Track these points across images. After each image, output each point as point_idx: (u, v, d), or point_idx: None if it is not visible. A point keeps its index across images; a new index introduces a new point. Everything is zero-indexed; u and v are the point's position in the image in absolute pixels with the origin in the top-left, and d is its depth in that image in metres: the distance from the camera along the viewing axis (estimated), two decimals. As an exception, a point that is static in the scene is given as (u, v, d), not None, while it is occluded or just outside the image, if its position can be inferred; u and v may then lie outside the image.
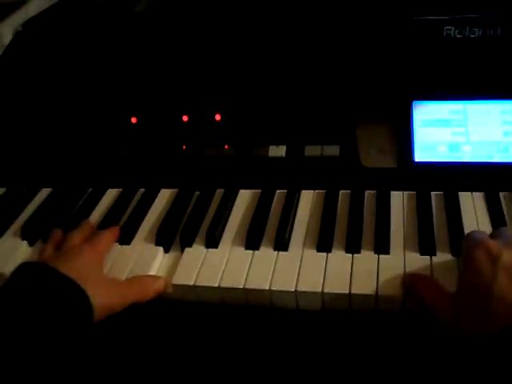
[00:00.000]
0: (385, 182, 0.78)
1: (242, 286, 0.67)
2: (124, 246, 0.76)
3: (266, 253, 0.71)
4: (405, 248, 0.69)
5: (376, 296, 0.64)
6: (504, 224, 0.71)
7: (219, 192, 0.83)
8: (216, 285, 0.67)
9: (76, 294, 0.61)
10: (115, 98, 0.92)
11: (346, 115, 0.84)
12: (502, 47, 0.78)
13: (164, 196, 0.84)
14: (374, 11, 0.83)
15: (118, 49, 0.92)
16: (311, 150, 0.82)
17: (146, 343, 0.75)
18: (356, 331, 0.70)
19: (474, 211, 0.74)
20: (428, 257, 0.68)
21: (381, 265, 0.67)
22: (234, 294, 0.67)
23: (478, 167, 0.78)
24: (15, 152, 0.93)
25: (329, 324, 0.69)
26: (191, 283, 0.68)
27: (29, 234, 0.79)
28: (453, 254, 0.67)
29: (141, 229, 0.79)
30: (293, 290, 0.65)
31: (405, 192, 0.78)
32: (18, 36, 0.96)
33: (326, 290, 0.65)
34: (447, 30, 0.78)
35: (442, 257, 0.67)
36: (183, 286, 0.68)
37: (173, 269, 0.71)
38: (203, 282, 0.68)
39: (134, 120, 0.91)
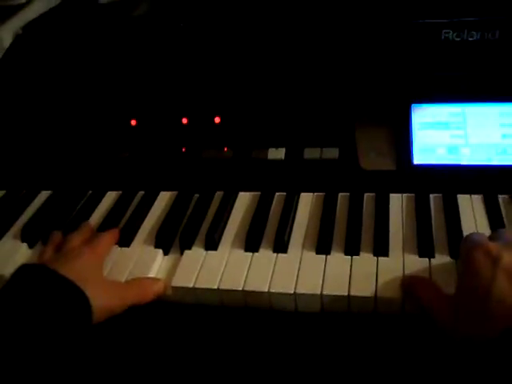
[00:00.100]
0: (384, 185, 0.79)
1: (241, 288, 0.67)
2: (124, 249, 0.76)
3: (266, 255, 0.71)
4: (404, 250, 0.69)
5: (375, 298, 0.64)
6: (503, 226, 0.71)
7: (218, 194, 0.83)
8: (215, 287, 0.67)
9: (75, 296, 0.61)
10: (115, 100, 0.92)
11: (345, 118, 0.84)
12: (500, 50, 0.78)
13: (163, 198, 0.84)
14: (372, 15, 0.83)
15: (117, 52, 0.92)
16: (310, 153, 0.82)
17: (146, 345, 0.75)
18: (355, 333, 0.70)
19: (472, 214, 0.74)
20: (427, 259, 0.68)
21: (380, 267, 0.67)
22: (233, 296, 0.67)
23: (476, 170, 0.78)
24: (15, 154, 0.93)
25: (328, 326, 0.70)
26: (190, 285, 0.68)
27: (28, 236, 0.80)
28: (451, 257, 0.68)
29: (140, 231, 0.79)
30: (292, 292, 0.65)
31: (404, 194, 0.78)
32: (18, 39, 0.96)
33: (325, 292, 0.65)
34: (445, 33, 0.79)
35: (441, 259, 0.68)
36: (182, 288, 0.68)
37: (172, 271, 0.71)
38: (202, 284, 0.68)
39: (133, 122, 0.91)
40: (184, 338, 0.75)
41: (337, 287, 0.65)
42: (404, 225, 0.73)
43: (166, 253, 0.75)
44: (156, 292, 0.69)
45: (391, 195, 0.78)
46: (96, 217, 0.83)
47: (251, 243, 0.72)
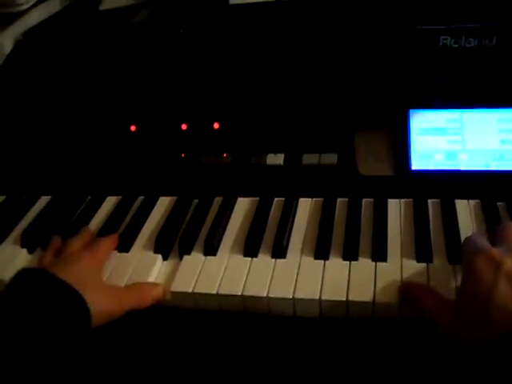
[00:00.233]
0: (382, 190, 0.79)
1: (240, 293, 0.67)
2: (123, 254, 0.76)
3: (264, 260, 0.71)
4: (402, 255, 0.70)
5: (373, 303, 0.64)
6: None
7: (217, 200, 0.83)
8: (214, 292, 0.68)
9: (74, 300, 0.62)
10: (115, 106, 0.93)
11: (344, 124, 0.84)
12: (498, 56, 0.79)
13: (163, 204, 0.85)
14: (371, 21, 0.83)
15: (117, 58, 0.92)
16: (309, 158, 0.82)
17: (145, 350, 0.76)
18: (353, 338, 0.70)
19: (470, 219, 0.74)
20: (425, 264, 0.68)
21: (378, 272, 0.67)
22: (232, 301, 0.68)
23: (474, 175, 0.78)
24: (15, 160, 0.93)
25: (326, 331, 0.70)
26: (190, 290, 0.68)
27: (28, 241, 0.80)
28: (449, 262, 0.68)
29: (140, 236, 0.79)
30: (290, 297, 0.66)
31: (402, 200, 0.78)
32: (18, 45, 0.96)
33: (323, 297, 0.65)
34: (443, 39, 0.79)
35: (439, 264, 0.68)
36: (182, 293, 0.69)
37: (171, 276, 0.72)
38: (201, 289, 0.68)
39: (133, 128, 0.91)
40: (183, 342, 0.75)
41: (335, 292, 0.65)
42: (402, 230, 0.73)
43: (165, 258, 0.75)
44: (155, 297, 0.69)
45: (389, 200, 0.78)
46: (96, 222, 0.83)
47: (250, 248, 0.73)
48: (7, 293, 0.62)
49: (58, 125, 0.94)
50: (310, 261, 0.70)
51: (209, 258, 0.73)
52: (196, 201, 0.83)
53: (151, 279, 0.72)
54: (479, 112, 0.82)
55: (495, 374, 0.53)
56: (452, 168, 0.79)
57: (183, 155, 0.88)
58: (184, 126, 0.90)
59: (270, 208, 0.80)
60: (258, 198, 0.82)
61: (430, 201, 0.78)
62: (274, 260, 0.71)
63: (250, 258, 0.72)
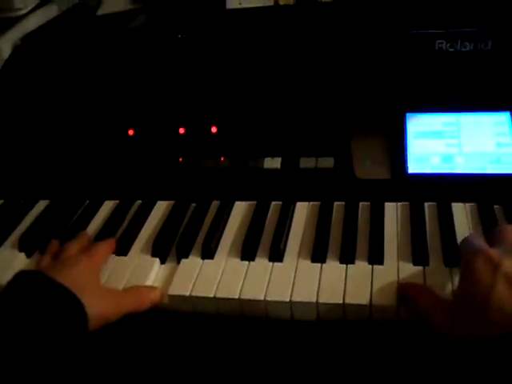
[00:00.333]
0: (379, 194, 0.79)
1: (237, 297, 0.67)
2: (121, 257, 0.76)
3: (261, 264, 0.72)
4: (398, 258, 0.70)
5: (370, 306, 0.64)
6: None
7: (215, 203, 0.83)
8: (212, 295, 0.68)
9: (71, 304, 0.62)
10: (112, 110, 0.93)
11: (341, 127, 0.85)
12: (493, 60, 0.79)
13: (160, 208, 0.85)
14: (367, 25, 0.84)
15: (115, 63, 0.93)
16: (306, 162, 0.83)
17: (143, 353, 0.76)
18: (351, 341, 0.70)
19: (466, 222, 0.74)
20: (421, 267, 0.68)
21: (375, 275, 0.68)
22: (229, 305, 0.68)
23: (471, 178, 0.78)
24: (13, 164, 0.93)
25: (324, 334, 0.70)
26: (187, 294, 0.69)
27: (26, 245, 0.80)
28: (446, 265, 0.68)
29: (137, 240, 0.79)
30: (287, 300, 0.66)
31: (398, 203, 0.78)
32: (16, 50, 0.97)
33: (320, 301, 0.65)
34: (439, 43, 0.80)
35: (435, 267, 0.68)
36: (179, 296, 0.69)
37: (169, 279, 0.72)
38: (199, 292, 0.69)
39: (131, 132, 0.92)
40: (180, 346, 0.75)
41: (332, 295, 0.66)
42: (399, 233, 0.74)
43: (162, 261, 0.75)
44: (153, 300, 0.70)
45: (386, 204, 0.78)
46: (93, 226, 0.83)
47: (247, 252, 0.73)
48: (4, 295, 0.62)
49: (56, 129, 0.94)
50: (307, 264, 0.71)
51: (206, 261, 0.73)
52: (194, 205, 0.84)
53: (149, 282, 0.72)
54: (475, 115, 0.82)
55: (493, 374, 0.53)
56: (448, 171, 0.79)
57: (181, 159, 0.88)
58: (182, 130, 0.90)
59: (268, 212, 0.80)
60: (255, 202, 0.82)
61: (426, 204, 0.78)
62: (271, 263, 0.71)
63: (247, 262, 0.72)
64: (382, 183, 0.80)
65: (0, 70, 0.95)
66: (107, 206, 0.87)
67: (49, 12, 1.05)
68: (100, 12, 1.04)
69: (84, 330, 0.62)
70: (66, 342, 0.60)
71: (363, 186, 0.80)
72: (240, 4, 0.90)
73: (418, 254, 0.69)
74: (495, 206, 0.76)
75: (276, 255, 0.72)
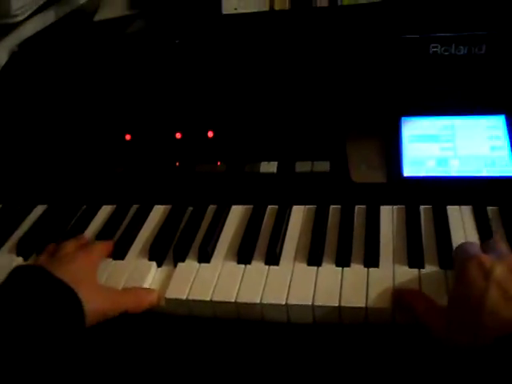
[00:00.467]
0: (374, 197, 0.79)
1: (233, 300, 0.67)
2: (118, 261, 0.77)
3: (258, 267, 0.72)
4: (394, 261, 0.70)
5: (366, 308, 0.64)
6: (491, 237, 0.71)
7: (212, 208, 0.83)
8: (208, 299, 0.68)
9: (69, 298, 0.62)
10: (109, 115, 0.94)
11: (336, 131, 0.85)
12: (487, 64, 0.80)
13: (157, 212, 0.85)
14: (361, 30, 0.84)
15: (112, 68, 0.93)
16: (302, 166, 0.83)
17: (140, 356, 0.76)
18: (347, 343, 0.70)
19: (462, 225, 0.75)
20: (417, 270, 0.68)
21: (370, 278, 0.68)
22: (225, 308, 0.68)
23: (466, 181, 0.79)
24: (11, 169, 0.94)
25: (320, 337, 0.70)
26: (184, 297, 0.69)
27: (24, 249, 0.80)
28: (441, 267, 0.68)
29: (134, 244, 0.79)
30: (284, 303, 0.66)
31: (394, 206, 0.79)
32: (13, 56, 0.97)
33: (316, 303, 0.66)
34: (433, 47, 0.80)
35: (431, 269, 0.68)
36: (176, 299, 0.69)
37: (166, 283, 0.72)
38: (195, 296, 0.69)
39: (128, 137, 0.92)
40: (177, 349, 0.75)
41: (328, 298, 0.66)
42: (394, 236, 0.74)
43: (159, 265, 0.76)
44: (150, 301, 0.70)
45: (382, 207, 0.79)
46: (91, 230, 0.84)
47: (243, 256, 0.73)
48: (1, 289, 0.63)
49: (54, 134, 0.94)
50: (303, 267, 0.71)
51: (203, 265, 0.74)
52: (190, 209, 0.84)
53: (146, 286, 0.72)
54: (470, 119, 0.83)
55: (488, 377, 0.54)
56: (444, 174, 0.80)
57: (178, 164, 0.89)
58: (178, 135, 0.90)
59: (264, 215, 0.81)
60: (251, 206, 0.83)
61: (422, 207, 0.78)
62: (267, 267, 0.72)
63: (243, 265, 0.72)
64: (377, 187, 0.80)
65: (-3, 76, 0.96)
66: (104, 211, 0.87)
67: (46, 18, 1.06)
68: (97, 18, 1.04)
69: (81, 325, 0.62)
70: (63, 336, 0.60)
71: (359, 190, 0.81)
72: (236, 9, 0.90)
73: (414, 257, 0.70)
74: (490, 209, 0.76)
75: (272, 259, 0.72)
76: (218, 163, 0.87)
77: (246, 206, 0.83)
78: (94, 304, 0.64)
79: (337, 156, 0.83)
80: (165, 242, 0.78)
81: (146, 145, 0.91)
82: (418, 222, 0.75)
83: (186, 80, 0.91)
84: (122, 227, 0.82)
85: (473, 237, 0.72)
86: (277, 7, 0.90)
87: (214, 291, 0.69)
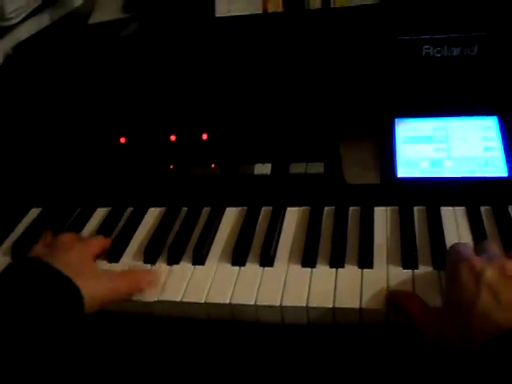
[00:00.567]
0: (368, 198, 0.80)
1: (228, 302, 0.68)
2: (113, 264, 0.77)
3: (252, 269, 0.72)
4: (388, 262, 0.70)
5: (360, 309, 0.65)
6: (485, 237, 0.72)
7: (206, 210, 0.84)
8: (202, 301, 0.68)
9: (67, 288, 0.62)
10: (104, 118, 0.94)
11: (330, 133, 0.85)
12: (480, 65, 0.80)
13: (152, 214, 0.85)
14: (355, 32, 0.84)
15: (106, 71, 0.93)
16: (296, 168, 0.83)
17: (134, 358, 0.76)
18: (341, 344, 0.71)
19: (455, 225, 0.75)
20: (410, 270, 0.69)
21: (364, 279, 0.68)
22: (220, 310, 0.68)
23: (459, 182, 0.79)
24: (5, 172, 0.94)
25: (314, 338, 0.70)
26: (178, 299, 0.69)
27: (18, 253, 0.80)
28: (434, 268, 0.69)
29: (129, 247, 0.79)
30: (278, 304, 0.66)
31: (388, 207, 0.79)
32: (8, 59, 0.97)
33: (310, 305, 0.66)
34: (426, 49, 0.80)
35: (424, 270, 0.69)
36: (170, 301, 0.69)
37: (160, 285, 0.72)
38: (190, 298, 0.69)
39: (122, 140, 0.92)
40: (172, 351, 0.76)
41: (322, 299, 0.66)
42: (388, 237, 0.74)
43: (154, 267, 0.76)
44: (149, 282, 0.71)
45: (376, 208, 0.79)
46: (86, 233, 0.84)
47: (238, 257, 0.73)
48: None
49: (49, 137, 0.94)
50: (297, 269, 0.71)
51: (197, 267, 0.74)
52: (185, 211, 0.84)
53: (140, 289, 0.72)
54: (463, 120, 0.83)
55: (479, 380, 0.54)
56: (437, 175, 0.80)
57: (172, 166, 0.89)
58: (173, 138, 0.90)
59: (258, 217, 0.81)
60: (246, 208, 0.83)
61: (415, 208, 0.78)
62: (261, 268, 0.72)
63: (237, 267, 0.73)
64: (371, 188, 0.80)
65: (-8, 79, 0.96)
66: (99, 214, 0.87)
67: (41, 21, 1.06)
68: (91, 21, 1.04)
69: (80, 314, 0.62)
70: (63, 326, 0.61)
71: (353, 191, 0.81)
72: (229, 12, 0.91)
73: (408, 258, 0.70)
74: (483, 209, 0.77)
75: (266, 260, 0.72)
76: (213, 165, 0.87)
77: (240, 208, 0.83)
78: (92, 292, 0.64)
79: (331, 157, 0.83)
80: (159, 245, 0.78)
81: (140, 147, 0.91)
82: (412, 223, 0.76)
83: (180, 83, 0.91)
84: (117, 230, 0.83)
85: (466, 237, 0.73)
86: (270, 10, 0.90)
87: (208, 293, 0.69)
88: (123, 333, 0.74)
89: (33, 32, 1.04)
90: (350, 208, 0.80)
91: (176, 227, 0.81)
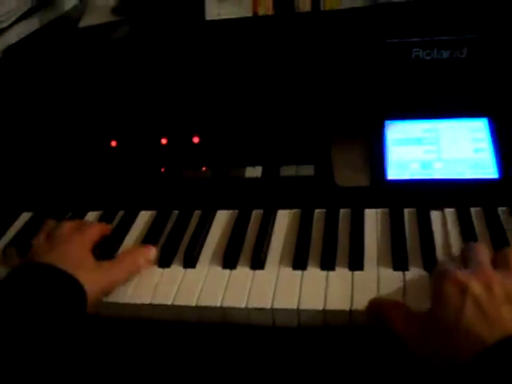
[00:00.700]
0: (359, 201, 0.80)
1: (219, 305, 0.68)
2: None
3: (243, 272, 0.72)
4: (378, 264, 0.70)
5: (350, 311, 0.65)
6: (475, 239, 0.72)
7: (197, 213, 0.84)
8: (193, 304, 0.68)
9: (70, 284, 0.64)
10: (95, 122, 0.94)
11: (321, 135, 0.86)
12: (469, 68, 0.81)
13: (143, 218, 0.85)
14: (345, 35, 0.85)
15: (96, 75, 0.93)
16: (286, 170, 0.83)
17: (126, 363, 0.76)
18: (333, 346, 0.71)
19: (445, 227, 0.75)
20: (401, 272, 0.69)
21: (355, 281, 0.68)
22: (211, 313, 0.68)
23: (449, 184, 0.79)
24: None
25: (305, 340, 0.70)
26: (169, 303, 0.69)
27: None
28: (425, 269, 0.69)
29: (120, 250, 0.79)
30: (269, 307, 0.66)
31: (378, 209, 0.79)
32: (-2, 62, 0.97)
33: (301, 307, 0.66)
34: (416, 51, 0.81)
35: (415, 272, 0.69)
36: (161, 305, 0.69)
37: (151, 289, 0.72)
38: (181, 301, 0.69)
39: (113, 143, 0.92)
40: (162, 354, 0.76)
41: (313, 302, 0.66)
42: (379, 239, 0.74)
43: (145, 271, 0.76)
44: (147, 259, 0.73)
45: (366, 210, 0.79)
46: (77, 237, 0.83)
47: (229, 260, 0.73)
48: (3, 284, 0.64)
49: (39, 141, 0.94)
50: (288, 271, 0.71)
51: (188, 270, 0.74)
52: (176, 214, 0.84)
53: (130, 292, 0.72)
54: (453, 122, 0.84)
55: None
56: (427, 177, 0.80)
57: (163, 169, 0.89)
58: (164, 141, 0.90)
59: (249, 220, 0.81)
60: (237, 211, 0.83)
61: (406, 210, 0.78)
62: (252, 271, 0.72)
63: (229, 270, 0.73)
64: (361, 190, 0.81)
65: (-18, 82, 0.96)
66: (90, 217, 0.87)
67: (31, 24, 1.06)
68: (82, 24, 1.04)
69: (83, 307, 0.64)
70: (68, 320, 0.63)
71: (343, 193, 0.81)
72: (219, 15, 0.91)
73: (398, 260, 0.70)
74: (473, 211, 0.77)
75: (257, 263, 0.72)
76: (204, 168, 0.87)
77: (231, 211, 0.83)
78: (93, 284, 0.66)
79: (321, 160, 0.84)
80: (150, 248, 0.78)
81: (131, 151, 0.91)
82: (402, 225, 0.76)
83: (171, 86, 0.91)
84: (108, 233, 0.82)
85: (456, 239, 0.73)
86: (260, 13, 0.90)
87: (199, 296, 0.69)
88: (115, 337, 0.74)
89: (23, 35, 1.03)
90: (341, 210, 0.80)
91: (167, 230, 0.81)
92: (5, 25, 0.98)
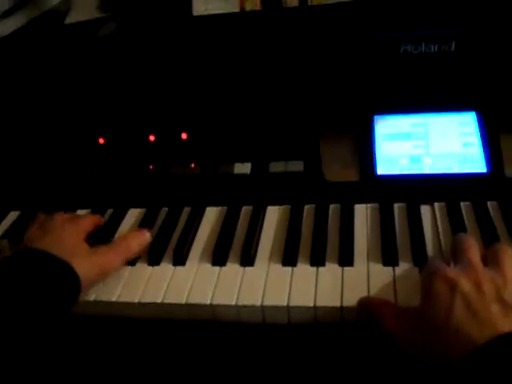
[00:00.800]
0: (348, 196, 0.80)
1: (208, 302, 0.67)
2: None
3: (233, 269, 0.72)
4: (368, 259, 0.70)
5: (341, 307, 0.65)
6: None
7: (186, 210, 0.83)
8: (183, 302, 0.68)
9: (63, 270, 0.65)
10: (82, 119, 0.93)
11: (309, 131, 0.85)
12: (457, 61, 0.81)
13: (132, 215, 0.85)
14: (333, 29, 0.84)
15: (83, 71, 0.92)
16: (275, 166, 0.83)
17: (117, 362, 0.76)
18: (324, 342, 0.71)
19: (435, 221, 0.75)
20: (391, 267, 0.69)
21: (345, 277, 0.68)
22: (201, 310, 0.68)
23: (438, 178, 0.79)
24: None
25: (296, 337, 0.70)
26: (159, 301, 0.69)
27: (-3, 256, 0.79)
28: (415, 264, 0.69)
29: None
30: (259, 304, 0.66)
31: (368, 205, 0.79)
32: (-17, 60, 0.96)
33: (291, 304, 0.66)
34: (404, 46, 0.81)
35: (405, 267, 0.69)
36: (151, 303, 0.69)
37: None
38: (171, 299, 0.69)
39: (101, 141, 0.92)
40: (154, 353, 0.75)
41: (303, 298, 0.66)
42: (368, 234, 0.74)
43: (134, 269, 0.75)
44: (141, 243, 0.74)
45: (356, 206, 0.79)
46: (65, 236, 0.83)
47: (218, 257, 0.73)
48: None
49: (26, 139, 0.94)
50: (277, 268, 0.71)
51: (178, 268, 0.73)
52: (165, 211, 0.84)
53: (120, 289, 0.72)
54: (442, 116, 0.84)
55: None
56: (417, 172, 0.80)
57: (152, 166, 0.89)
58: (152, 138, 0.90)
59: (239, 216, 0.81)
60: (226, 207, 0.82)
61: (395, 205, 0.78)
62: (242, 268, 0.72)
63: (218, 267, 0.72)
64: (351, 185, 0.81)
65: (-32, 78, 0.95)
66: (79, 215, 0.87)
67: (16, 21, 1.05)
68: (68, 20, 1.03)
69: (77, 292, 0.65)
70: (62, 305, 0.64)
71: (333, 189, 0.81)
72: (206, 11, 0.90)
73: (388, 255, 0.70)
74: (463, 205, 0.77)
75: (247, 260, 0.72)
76: (193, 165, 0.87)
77: (220, 208, 0.83)
78: (85, 270, 0.67)
79: (310, 155, 0.83)
80: (140, 246, 0.77)
81: (119, 148, 0.91)
82: (392, 220, 0.76)
83: (159, 82, 0.91)
84: (97, 231, 0.82)
85: (446, 233, 0.73)
86: (247, 8, 0.90)
87: (189, 294, 0.69)
88: (106, 336, 0.74)
89: (8, 32, 1.02)
90: (331, 206, 0.80)
91: (156, 228, 0.81)
92: (-10, 22, 0.97)
